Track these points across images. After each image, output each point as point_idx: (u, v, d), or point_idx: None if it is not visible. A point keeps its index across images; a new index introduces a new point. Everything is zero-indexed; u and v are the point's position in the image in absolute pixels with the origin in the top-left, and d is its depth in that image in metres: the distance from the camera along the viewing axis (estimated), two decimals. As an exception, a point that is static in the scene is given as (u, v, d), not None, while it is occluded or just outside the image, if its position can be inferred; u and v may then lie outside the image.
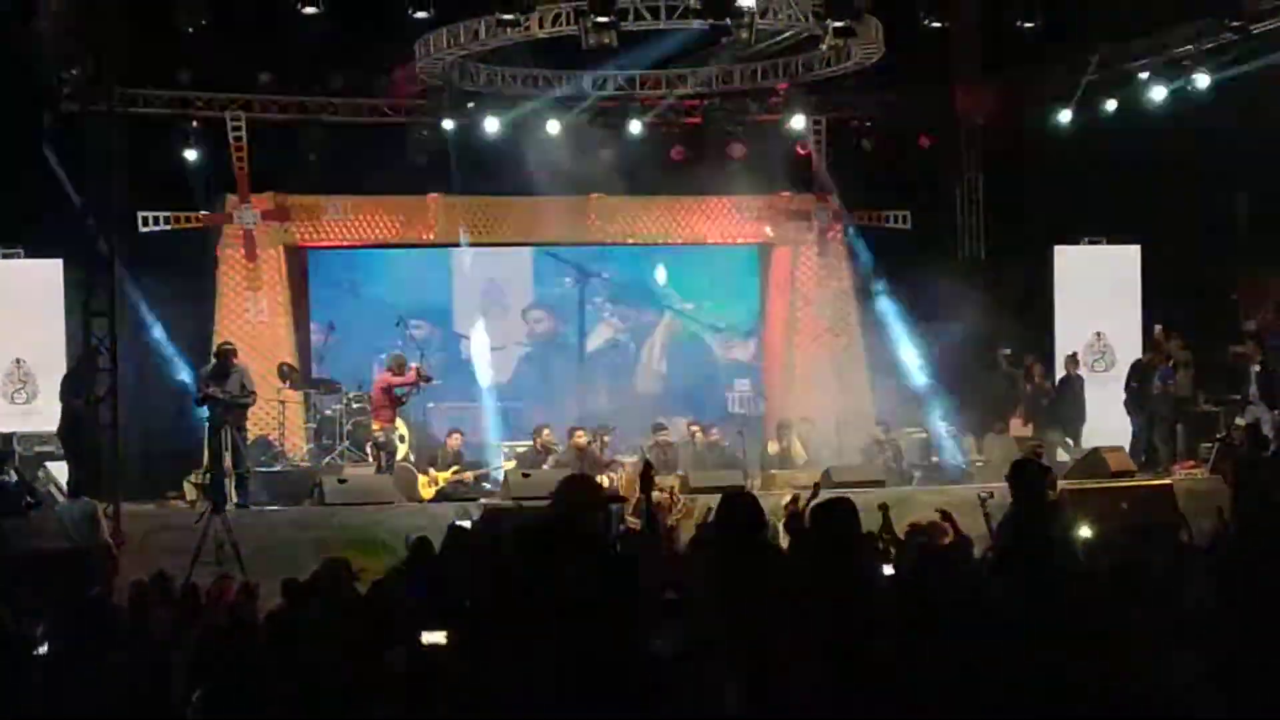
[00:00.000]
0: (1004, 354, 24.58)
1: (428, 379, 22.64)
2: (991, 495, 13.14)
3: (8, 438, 21.05)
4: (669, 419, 23.41)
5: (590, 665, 8.83)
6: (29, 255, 22.74)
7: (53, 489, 20.12)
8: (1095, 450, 22.24)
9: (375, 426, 22.18)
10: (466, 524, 16.17)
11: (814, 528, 9.58)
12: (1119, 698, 9.54)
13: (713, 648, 9.19)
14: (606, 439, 22.49)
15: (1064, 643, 9.22)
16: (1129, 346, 24.95)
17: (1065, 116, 24.71)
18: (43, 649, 10.13)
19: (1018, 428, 24.05)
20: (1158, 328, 23.94)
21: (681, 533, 16.86)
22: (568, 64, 23.50)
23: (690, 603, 10.05)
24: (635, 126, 24.84)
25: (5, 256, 22.52)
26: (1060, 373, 24.75)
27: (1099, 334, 25.77)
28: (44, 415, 21.30)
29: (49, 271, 22.63)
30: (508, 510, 18.14)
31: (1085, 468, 21.69)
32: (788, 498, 16.85)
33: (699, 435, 23.19)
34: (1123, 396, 23.66)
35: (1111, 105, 24.40)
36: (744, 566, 9.35)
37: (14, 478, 19.27)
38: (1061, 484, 19.17)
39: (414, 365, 22.49)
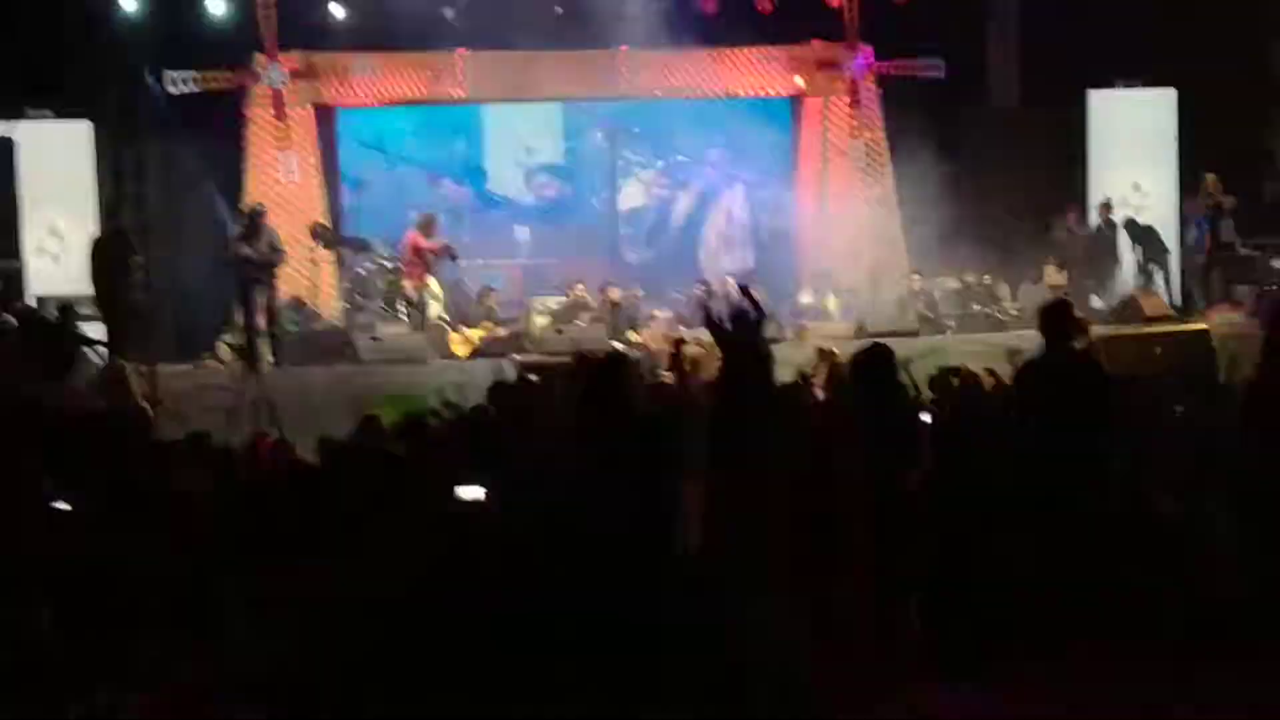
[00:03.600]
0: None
1: (454, 256, 22.54)
2: (1020, 352, 13.12)
3: (43, 302, 21.10)
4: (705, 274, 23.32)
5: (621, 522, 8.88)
6: (58, 116, 22.66)
7: (89, 351, 20.17)
8: (1130, 295, 22.13)
9: (408, 285, 22.18)
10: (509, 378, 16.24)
11: (853, 375, 9.59)
12: (1143, 531, 9.61)
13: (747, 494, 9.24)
14: (640, 293, 22.48)
15: (1087, 480, 9.28)
16: (1166, 192, 24.72)
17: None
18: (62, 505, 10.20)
19: (1051, 275, 23.88)
20: (1209, 176, 23.62)
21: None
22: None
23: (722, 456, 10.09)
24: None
25: (34, 118, 22.43)
26: (1095, 219, 24.56)
27: (1137, 185, 25.51)
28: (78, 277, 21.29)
29: (78, 133, 22.57)
30: (545, 365, 18.13)
31: (1120, 313, 21.59)
32: (826, 349, 16.85)
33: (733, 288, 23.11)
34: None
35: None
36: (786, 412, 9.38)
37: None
38: (1096, 330, 19.10)
39: (444, 242, 22.39)
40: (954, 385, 13.97)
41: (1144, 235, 23.94)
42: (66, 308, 19.33)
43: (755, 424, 9.11)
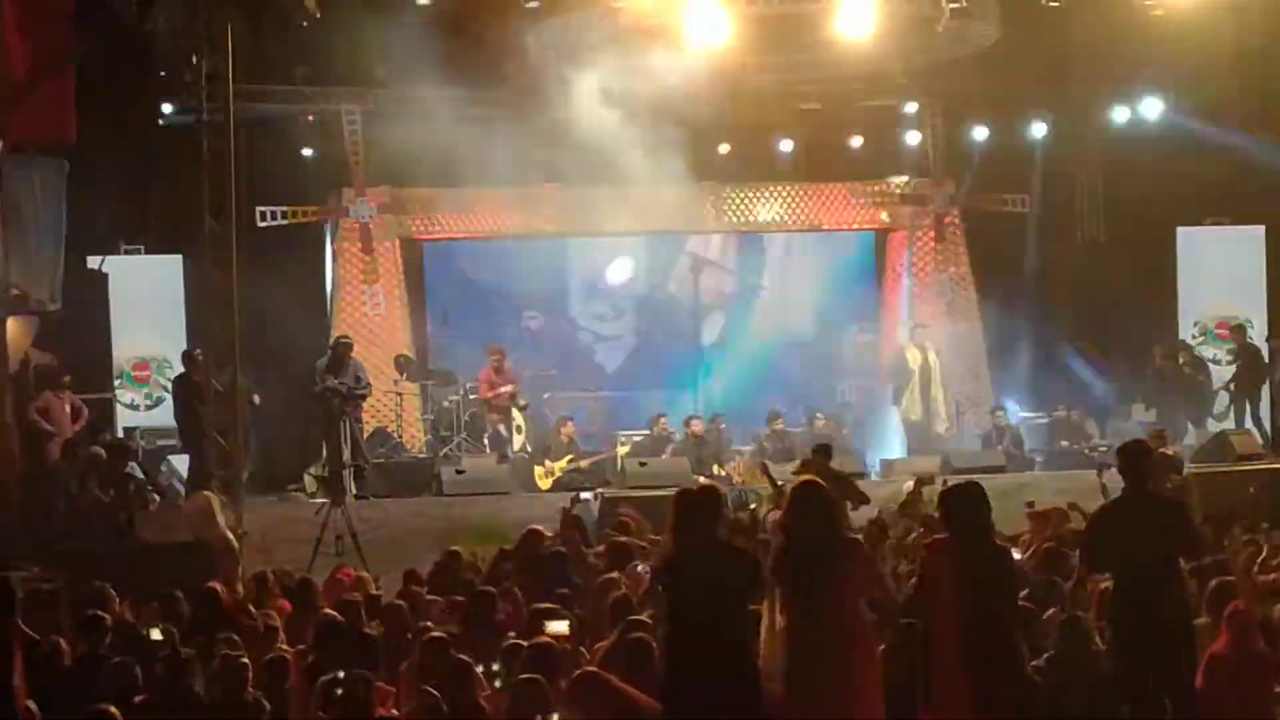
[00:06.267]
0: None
1: (521, 406, 22.54)
2: (1111, 466, 12.92)
3: (130, 432, 21.27)
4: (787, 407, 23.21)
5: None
6: (149, 252, 22.94)
7: (175, 482, 20.29)
8: (1222, 433, 21.90)
9: (492, 417, 22.25)
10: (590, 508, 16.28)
11: (944, 513, 9.49)
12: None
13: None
14: (723, 427, 22.40)
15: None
16: (1255, 328, 24.50)
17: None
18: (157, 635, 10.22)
19: (1140, 412, 23.65)
20: None
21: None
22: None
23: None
24: (749, 113, 24.67)
25: (127, 253, 22.72)
26: (1181, 357, 24.32)
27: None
28: (167, 409, 21.44)
29: (169, 268, 22.83)
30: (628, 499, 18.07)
31: (1211, 451, 21.34)
32: (909, 484, 16.71)
33: (818, 423, 22.98)
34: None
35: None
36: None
37: (139, 473, 19.41)
38: (1188, 468, 18.88)
39: (510, 387, 22.38)
40: (1041, 523, 13.86)
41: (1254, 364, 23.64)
42: (116, 446, 19.29)
43: (819, 557, 8.98)
